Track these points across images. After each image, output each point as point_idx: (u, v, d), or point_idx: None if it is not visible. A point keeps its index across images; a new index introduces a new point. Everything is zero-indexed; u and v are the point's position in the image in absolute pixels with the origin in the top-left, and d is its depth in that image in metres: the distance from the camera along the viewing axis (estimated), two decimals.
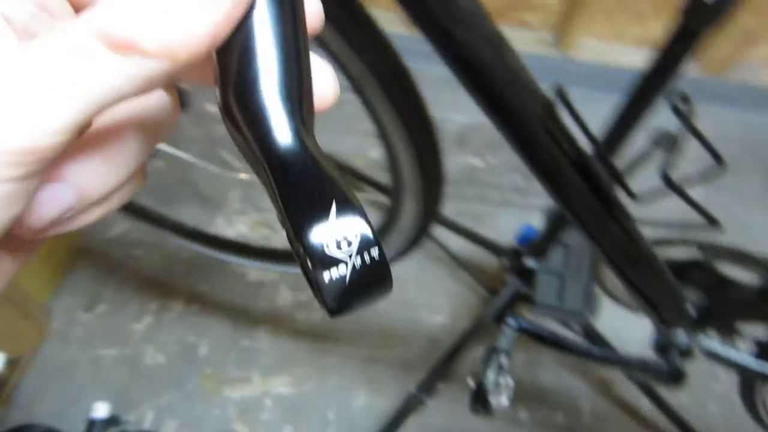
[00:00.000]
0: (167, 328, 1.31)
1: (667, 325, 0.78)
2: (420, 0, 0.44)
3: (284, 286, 1.35)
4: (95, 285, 1.35)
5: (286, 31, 0.19)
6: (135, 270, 1.36)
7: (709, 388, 1.22)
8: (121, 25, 0.16)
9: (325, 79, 0.22)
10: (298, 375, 1.26)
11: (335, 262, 0.19)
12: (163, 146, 1.15)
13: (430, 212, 0.77)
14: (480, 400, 0.79)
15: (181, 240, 1.20)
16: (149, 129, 0.22)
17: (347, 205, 0.19)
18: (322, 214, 0.19)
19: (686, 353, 0.76)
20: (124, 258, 1.38)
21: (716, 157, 0.57)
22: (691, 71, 1.58)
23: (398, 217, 0.80)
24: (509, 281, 1.14)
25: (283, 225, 0.20)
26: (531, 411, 1.22)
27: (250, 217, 1.44)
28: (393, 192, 0.77)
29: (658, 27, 1.58)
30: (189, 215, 1.39)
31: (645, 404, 1.20)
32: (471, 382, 0.81)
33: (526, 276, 1.11)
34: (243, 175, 1.20)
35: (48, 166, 0.18)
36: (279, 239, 1.39)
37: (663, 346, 0.78)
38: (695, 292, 0.83)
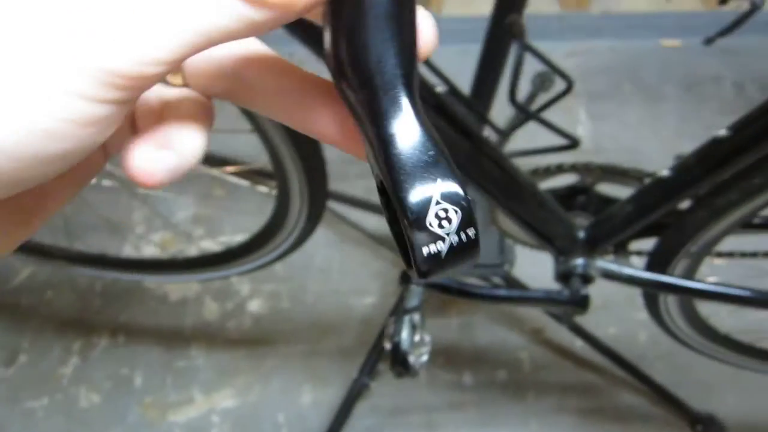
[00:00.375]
0: (96, 365, 1.26)
1: (564, 255, 0.81)
2: None
3: (208, 299, 1.32)
4: (11, 337, 1.28)
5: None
6: (50, 313, 1.31)
7: (635, 318, 1.27)
8: None
9: (427, 29, 0.21)
10: (240, 385, 1.24)
11: (436, 238, 0.20)
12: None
13: (318, 193, 0.77)
14: (399, 362, 0.79)
15: (90, 270, 1.16)
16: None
17: (451, 182, 0.20)
18: (429, 189, 0.20)
19: (586, 278, 0.78)
20: (35, 303, 1.32)
21: (560, 74, 0.59)
22: (553, 10, 1.62)
23: (288, 203, 0.80)
24: None
25: (391, 195, 0.20)
26: (474, 374, 1.24)
27: (160, 235, 1.40)
28: (279, 180, 0.77)
29: None
30: (95, 245, 1.34)
31: (578, 344, 1.25)
32: (387, 345, 0.81)
33: None
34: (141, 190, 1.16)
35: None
36: (195, 250, 1.36)
37: (564, 276, 0.81)
38: (584, 217, 0.86)
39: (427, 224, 0.20)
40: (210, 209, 1.41)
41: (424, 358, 0.82)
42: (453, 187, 0.20)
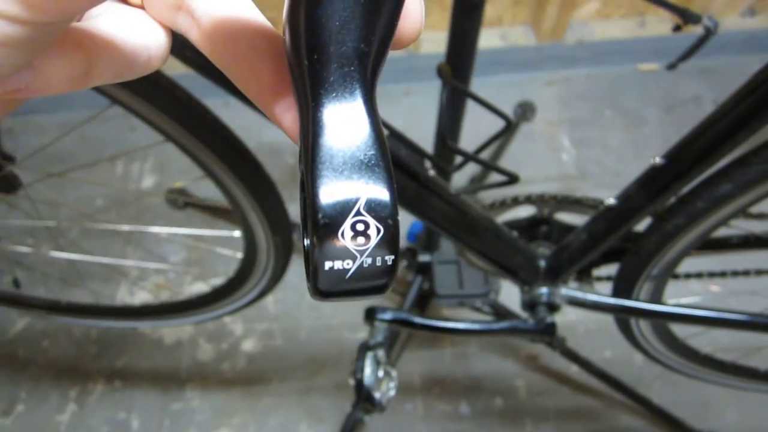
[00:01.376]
0: (93, 412, 1.26)
1: (527, 284, 0.81)
2: None
3: (202, 340, 1.32)
4: (9, 387, 1.29)
5: None
6: (46, 362, 1.31)
7: None
8: None
9: (413, 12, 0.19)
10: (236, 425, 1.24)
11: (345, 254, 0.17)
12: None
13: (277, 224, 0.79)
14: (364, 399, 0.79)
15: (84, 320, 1.17)
16: (119, 59, 0.21)
17: (383, 192, 0.17)
18: (353, 193, 0.17)
19: (552, 306, 0.79)
20: (32, 353, 1.33)
21: (499, 114, 0.60)
22: (530, 42, 1.65)
23: (254, 238, 0.83)
24: (412, 280, 1.16)
25: (305, 188, 0.17)
26: (470, 403, 1.24)
27: (154, 279, 1.41)
28: (240, 218, 0.80)
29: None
30: (90, 292, 1.36)
31: (575, 368, 1.24)
32: (351, 382, 0.82)
33: (425, 271, 1.14)
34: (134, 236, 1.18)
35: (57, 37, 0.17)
36: (188, 292, 1.37)
37: (530, 305, 0.82)
38: (547, 246, 0.87)
39: (339, 234, 0.17)
40: (201, 251, 1.43)
41: (392, 393, 0.82)
42: (383, 198, 0.17)
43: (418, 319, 0.84)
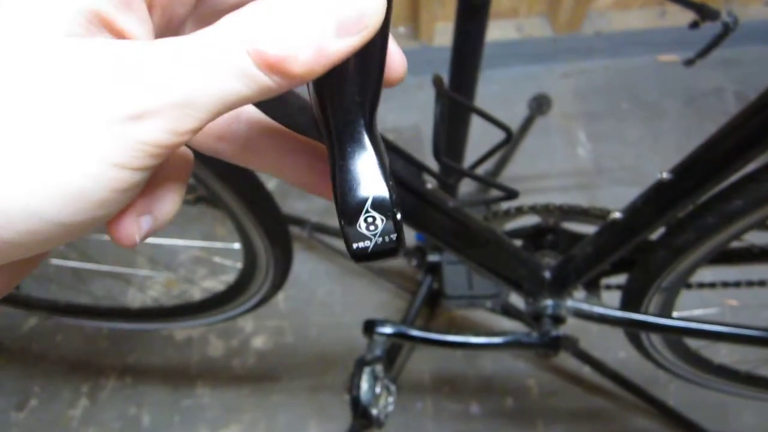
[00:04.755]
0: (105, 407, 1.27)
1: (532, 296, 0.79)
2: None
3: (213, 337, 1.32)
4: (22, 382, 1.30)
5: (373, 55, 0.22)
6: (59, 357, 1.32)
7: None
8: (275, 46, 0.18)
9: (396, 62, 0.24)
10: (246, 422, 1.24)
11: (363, 237, 0.25)
12: None
13: (272, 227, 0.78)
14: (360, 415, 0.78)
15: (95, 322, 1.18)
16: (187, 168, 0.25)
17: (383, 195, 0.24)
18: (363, 200, 0.24)
19: (557, 319, 0.77)
20: (45, 348, 1.34)
21: (498, 124, 0.58)
22: (546, 33, 1.61)
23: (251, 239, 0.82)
24: (422, 280, 1.14)
25: (335, 202, 0.25)
26: (481, 403, 1.23)
27: (164, 277, 1.41)
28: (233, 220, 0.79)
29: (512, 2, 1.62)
30: (100, 290, 1.36)
31: (587, 369, 1.22)
32: (347, 397, 0.80)
33: (435, 271, 1.12)
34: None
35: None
36: (198, 291, 1.37)
37: (535, 317, 0.79)
38: (553, 256, 0.84)
39: (358, 226, 0.24)
40: (214, 248, 1.42)
41: (390, 408, 0.80)
42: (383, 199, 0.24)
43: (417, 333, 0.82)
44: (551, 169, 1.48)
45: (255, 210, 0.75)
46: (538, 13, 1.63)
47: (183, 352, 1.32)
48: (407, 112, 1.61)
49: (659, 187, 0.58)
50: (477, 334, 0.83)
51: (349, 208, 0.24)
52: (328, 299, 1.34)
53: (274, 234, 0.81)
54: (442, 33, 1.62)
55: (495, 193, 0.73)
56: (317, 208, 1.44)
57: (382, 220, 0.25)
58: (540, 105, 1.53)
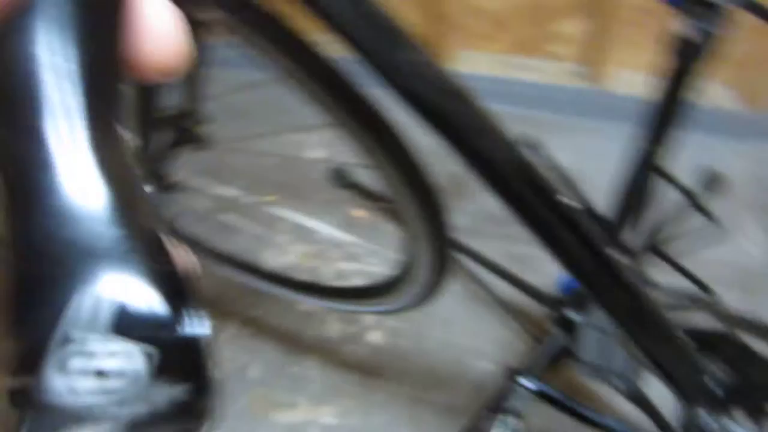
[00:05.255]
0: (221, 348, 1.35)
1: (689, 403, 0.77)
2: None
3: (333, 318, 1.38)
4: None
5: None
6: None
7: None
8: None
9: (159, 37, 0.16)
10: (344, 407, 1.29)
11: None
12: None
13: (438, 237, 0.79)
14: None
15: (228, 270, 1.25)
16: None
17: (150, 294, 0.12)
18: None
19: None
20: None
21: (709, 217, 0.56)
22: (735, 107, 1.53)
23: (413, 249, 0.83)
24: (552, 333, 1.14)
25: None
26: None
27: (300, 248, 1.47)
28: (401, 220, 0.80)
29: None
30: (240, 246, 1.44)
31: None
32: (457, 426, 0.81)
33: (569, 329, 1.11)
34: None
35: None
36: (327, 271, 1.42)
37: (686, 426, 0.77)
38: (722, 368, 0.81)
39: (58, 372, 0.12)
40: (351, 234, 1.47)
41: None
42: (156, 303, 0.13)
43: (568, 401, 0.82)
44: (712, 258, 1.42)
45: (433, 232, 0.76)
46: (731, 84, 1.55)
47: (302, 322, 1.38)
48: (569, 152, 1.58)
49: None
50: (620, 420, 0.83)
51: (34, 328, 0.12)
52: (449, 318, 1.36)
53: (440, 257, 0.82)
54: (621, 80, 1.57)
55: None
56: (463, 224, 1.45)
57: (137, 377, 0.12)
58: (711, 181, 1.45)
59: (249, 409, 1.30)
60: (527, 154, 0.57)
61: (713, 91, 1.55)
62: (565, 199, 0.59)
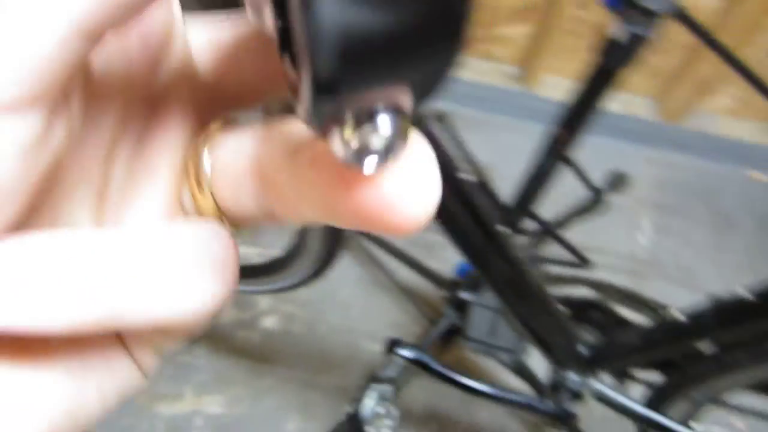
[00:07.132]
0: None
1: (559, 365, 0.76)
2: None
3: (227, 304, 1.33)
4: None
5: None
6: None
7: None
8: None
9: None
10: (231, 395, 1.23)
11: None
12: None
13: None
14: (353, 429, 0.75)
15: None
16: None
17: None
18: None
19: (577, 396, 0.73)
20: None
21: (594, 191, 0.56)
22: (650, 116, 1.59)
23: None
24: (445, 313, 1.12)
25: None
26: None
27: None
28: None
29: None
30: None
31: None
32: (348, 408, 0.77)
33: (462, 309, 1.10)
34: None
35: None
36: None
37: (554, 386, 0.76)
38: (593, 333, 0.81)
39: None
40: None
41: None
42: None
43: (439, 367, 0.80)
44: (607, 246, 1.44)
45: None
46: (648, 94, 1.60)
47: None
48: (488, 148, 1.60)
49: (735, 302, 0.56)
50: (493, 384, 0.81)
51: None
52: (347, 302, 1.33)
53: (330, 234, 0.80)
54: (551, 85, 1.61)
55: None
56: None
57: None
58: (616, 182, 1.49)
59: (132, 402, 1.22)
60: (433, 127, 0.55)
61: (632, 100, 1.60)
62: (464, 175, 0.58)
